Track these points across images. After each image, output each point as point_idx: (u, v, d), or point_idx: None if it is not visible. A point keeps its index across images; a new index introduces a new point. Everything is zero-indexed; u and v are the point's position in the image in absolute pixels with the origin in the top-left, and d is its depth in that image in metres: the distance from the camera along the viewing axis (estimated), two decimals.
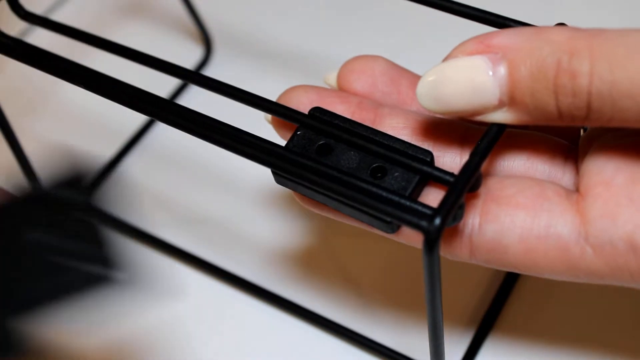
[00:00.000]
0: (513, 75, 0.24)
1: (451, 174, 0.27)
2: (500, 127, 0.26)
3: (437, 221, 0.24)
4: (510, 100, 0.25)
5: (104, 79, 0.29)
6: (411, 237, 0.27)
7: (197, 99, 0.43)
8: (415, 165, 0.26)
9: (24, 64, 0.30)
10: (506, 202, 0.26)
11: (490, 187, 0.27)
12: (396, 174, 0.27)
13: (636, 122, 0.24)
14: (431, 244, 0.24)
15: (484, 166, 0.27)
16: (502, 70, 0.24)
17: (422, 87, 0.26)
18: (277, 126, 0.29)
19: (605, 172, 0.26)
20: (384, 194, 0.25)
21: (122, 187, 0.40)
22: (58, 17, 0.48)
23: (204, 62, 0.46)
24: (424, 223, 0.24)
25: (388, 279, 0.36)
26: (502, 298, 0.35)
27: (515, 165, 0.28)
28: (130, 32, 0.48)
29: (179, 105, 0.28)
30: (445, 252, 0.27)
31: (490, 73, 0.24)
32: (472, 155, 0.26)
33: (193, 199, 0.40)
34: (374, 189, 0.26)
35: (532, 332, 0.34)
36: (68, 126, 0.44)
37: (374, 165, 0.27)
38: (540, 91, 0.24)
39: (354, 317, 0.35)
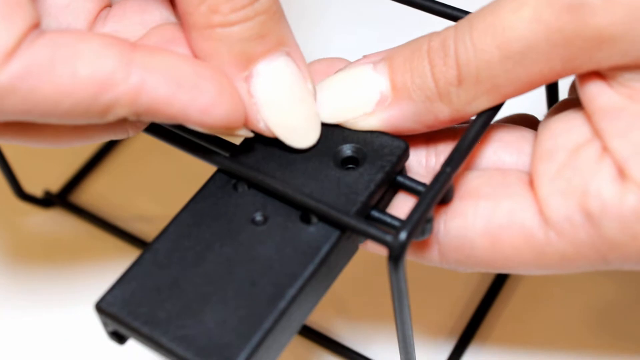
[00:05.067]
0: (392, 63, 0.26)
1: (422, 184, 0.26)
2: (475, 136, 0.25)
3: (403, 236, 0.23)
4: (392, 86, 0.25)
5: None
6: (376, 248, 0.26)
7: None
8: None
9: None
10: (468, 195, 0.26)
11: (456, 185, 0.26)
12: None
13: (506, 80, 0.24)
14: (396, 260, 0.23)
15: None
16: (382, 64, 0.26)
17: None
18: None
19: (547, 148, 0.25)
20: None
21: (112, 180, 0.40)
22: None
23: None
24: (388, 238, 0.23)
25: (365, 285, 0.35)
26: (486, 306, 0.34)
27: (483, 160, 0.27)
28: None
29: None
30: (414, 257, 0.26)
31: (372, 67, 0.26)
32: (444, 165, 0.25)
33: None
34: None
35: (515, 341, 0.33)
36: None
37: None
38: (416, 64, 0.25)
39: (330, 323, 0.34)
